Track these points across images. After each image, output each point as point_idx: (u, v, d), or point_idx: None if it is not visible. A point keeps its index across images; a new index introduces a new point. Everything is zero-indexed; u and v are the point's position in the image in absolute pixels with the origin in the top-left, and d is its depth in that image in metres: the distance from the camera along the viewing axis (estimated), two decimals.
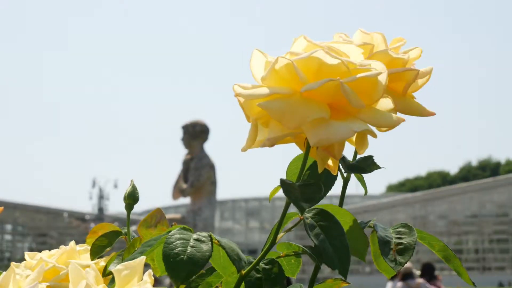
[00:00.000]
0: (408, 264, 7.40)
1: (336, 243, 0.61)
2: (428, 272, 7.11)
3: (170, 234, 0.63)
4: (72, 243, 0.80)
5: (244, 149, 0.63)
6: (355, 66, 0.59)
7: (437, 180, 48.97)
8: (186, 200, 8.56)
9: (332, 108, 0.59)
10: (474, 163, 52.44)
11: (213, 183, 8.29)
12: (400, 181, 52.31)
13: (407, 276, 7.26)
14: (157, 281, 0.60)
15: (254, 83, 0.62)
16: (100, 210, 27.71)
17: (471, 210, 28.89)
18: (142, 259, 0.56)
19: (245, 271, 0.66)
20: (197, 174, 8.14)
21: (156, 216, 0.83)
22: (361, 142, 0.63)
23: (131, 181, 0.85)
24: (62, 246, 0.79)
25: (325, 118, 0.58)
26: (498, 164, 50.79)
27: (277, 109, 0.58)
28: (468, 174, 48.69)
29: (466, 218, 28.86)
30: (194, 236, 0.63)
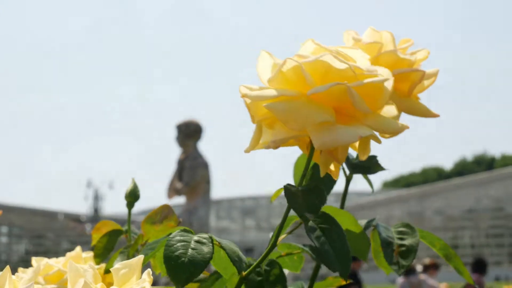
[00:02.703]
0: None
1: (337, 246, 0.61)
2: (480, 268, 6.74)
3: (170, 236, 0.63)
4: (78, 248, 0.80)
5: (247, 150, 0.63)
6: (362, 71, 0.59)
7: (433, 175, 49.05)
8: (181, 200, 8.55)
9: (337, 112, 0.59)
10: (469, 158, 52.57)
11: (207, 182, 8.28)
12: (395, 177, 52.39)
13: (409, 272, 7.15)
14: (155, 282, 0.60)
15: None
16: (96, 211, 27.59)
17: (467, 205, 28.96)
18: (140, 257, 0.56)
19: (245, 273, 0.66)
20: (191, 173, 8.12)
21: (162, 212, 0.82)
22: (364, 147, 0.63)
23: (132, 179, 0.84)
24: (68, 253, 0.79)
25: (331, 121, 0.57)
26: (493, 159, 50.91)
27: (283, 110, 0.58)
28: (463, 169, 48.78)
29: (462, 213, 28.93)
30: (195, 238, 0.63)
